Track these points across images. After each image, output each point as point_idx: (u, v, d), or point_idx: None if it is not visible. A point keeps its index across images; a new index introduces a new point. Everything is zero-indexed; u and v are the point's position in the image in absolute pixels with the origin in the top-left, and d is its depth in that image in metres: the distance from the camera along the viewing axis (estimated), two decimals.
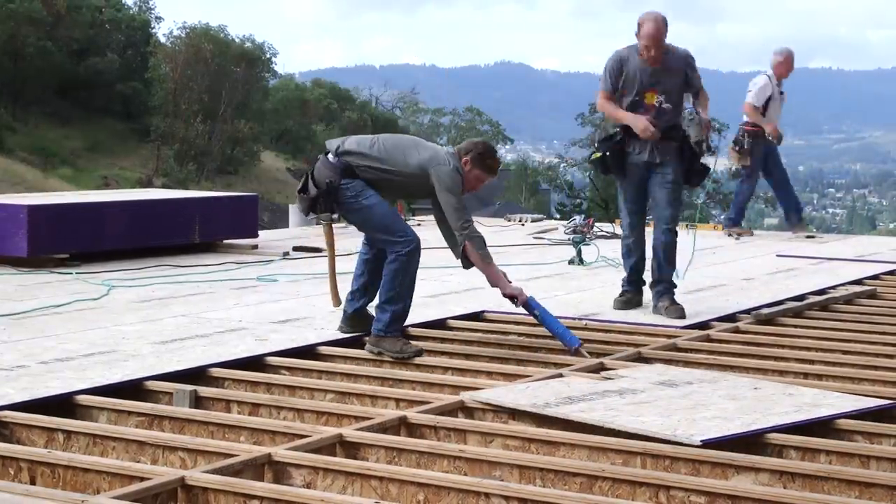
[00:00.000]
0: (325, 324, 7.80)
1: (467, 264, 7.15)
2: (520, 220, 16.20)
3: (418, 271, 7.09)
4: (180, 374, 6.35)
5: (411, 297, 7.11)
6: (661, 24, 8.09)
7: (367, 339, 7.09)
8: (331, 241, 7.33)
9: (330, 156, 7.07)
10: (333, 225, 7.29)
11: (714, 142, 11.25)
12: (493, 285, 7.25)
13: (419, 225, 16.00)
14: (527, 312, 7.32)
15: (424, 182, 7.01)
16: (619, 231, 14.41)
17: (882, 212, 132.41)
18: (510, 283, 7.24)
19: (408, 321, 7.81)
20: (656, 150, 8.28)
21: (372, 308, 7.28)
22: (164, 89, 52.06)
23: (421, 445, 5.07)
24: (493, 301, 8.73)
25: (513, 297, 7.19)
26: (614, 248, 11.92)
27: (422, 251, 7.09)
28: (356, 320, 7.38)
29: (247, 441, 5.31)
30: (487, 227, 15.36)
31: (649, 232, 8.60)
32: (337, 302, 7.47)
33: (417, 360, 6.87)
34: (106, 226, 11.10)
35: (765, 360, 7.06)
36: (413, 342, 7.25)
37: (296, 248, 12.04)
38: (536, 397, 5.77)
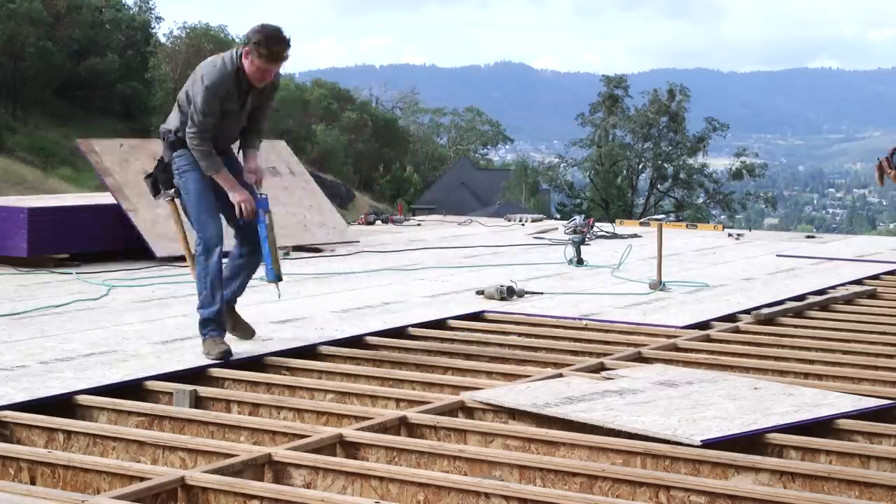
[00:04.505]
0: (325, 324, 7.80)
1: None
2: (520, 220, 16.20)
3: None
4: (180, 374, 6.35)
5: (221, 297, 6.80)
6: None
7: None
8: (177, 217, 7.10)
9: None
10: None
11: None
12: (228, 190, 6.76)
13: (419, 225, 16.00)
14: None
15: None
16: (619, 231, 14.47)
17: (882, 212, 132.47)
18: (241, 189, 6.77)
19: (408, 321, 7.85)
20: None
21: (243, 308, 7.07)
22: (164, 89, 52.10)
23: (421, 445, 5.06)
24: (494, 301, 8.74)
25: (239, 203, 6.70)
26: (615, 248, 11.93)
27: (221, 250, 6.76)
28: (224, 320, 6.98)
29: (247, 441, 5.31)
30: (488, 227, 15.38)
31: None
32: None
33: (417, 360, 6.86)
34: (106, 226, 11.10)
35: (765, 360, 7.05)
36: (413, 341, 7.27)
37: (296, 248, 12.04)
38: (536, 397, 5.77)
